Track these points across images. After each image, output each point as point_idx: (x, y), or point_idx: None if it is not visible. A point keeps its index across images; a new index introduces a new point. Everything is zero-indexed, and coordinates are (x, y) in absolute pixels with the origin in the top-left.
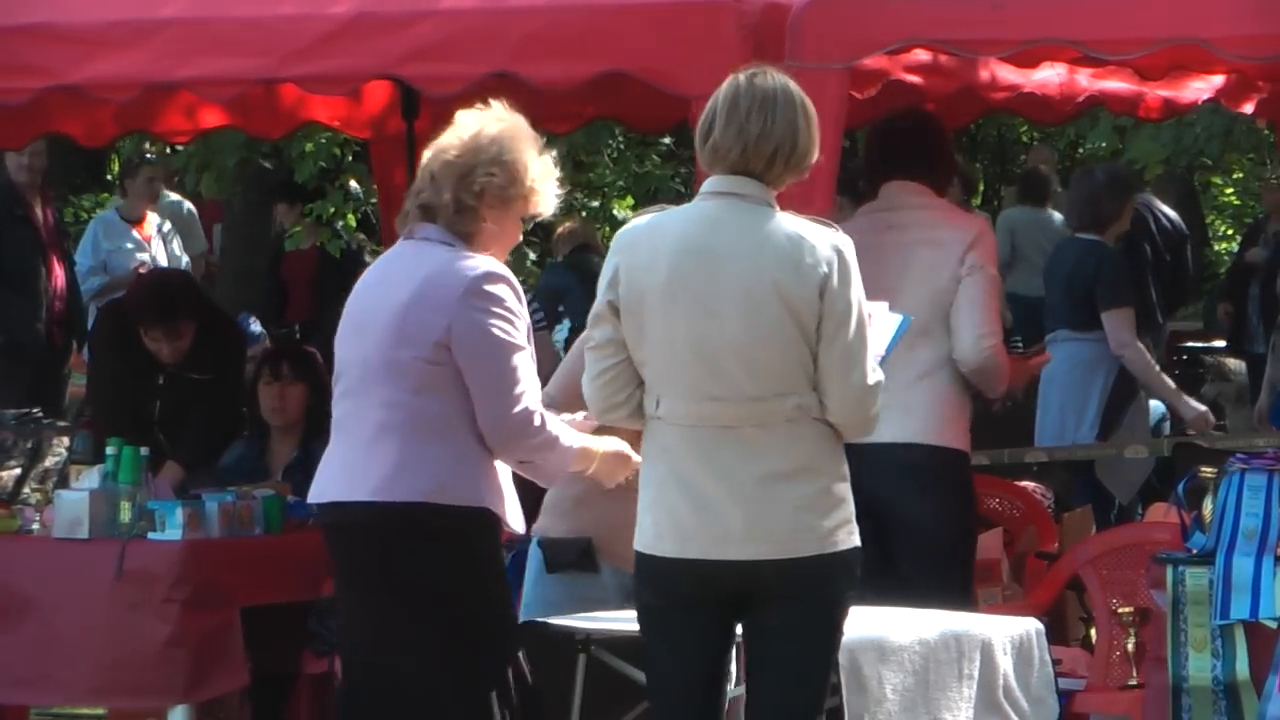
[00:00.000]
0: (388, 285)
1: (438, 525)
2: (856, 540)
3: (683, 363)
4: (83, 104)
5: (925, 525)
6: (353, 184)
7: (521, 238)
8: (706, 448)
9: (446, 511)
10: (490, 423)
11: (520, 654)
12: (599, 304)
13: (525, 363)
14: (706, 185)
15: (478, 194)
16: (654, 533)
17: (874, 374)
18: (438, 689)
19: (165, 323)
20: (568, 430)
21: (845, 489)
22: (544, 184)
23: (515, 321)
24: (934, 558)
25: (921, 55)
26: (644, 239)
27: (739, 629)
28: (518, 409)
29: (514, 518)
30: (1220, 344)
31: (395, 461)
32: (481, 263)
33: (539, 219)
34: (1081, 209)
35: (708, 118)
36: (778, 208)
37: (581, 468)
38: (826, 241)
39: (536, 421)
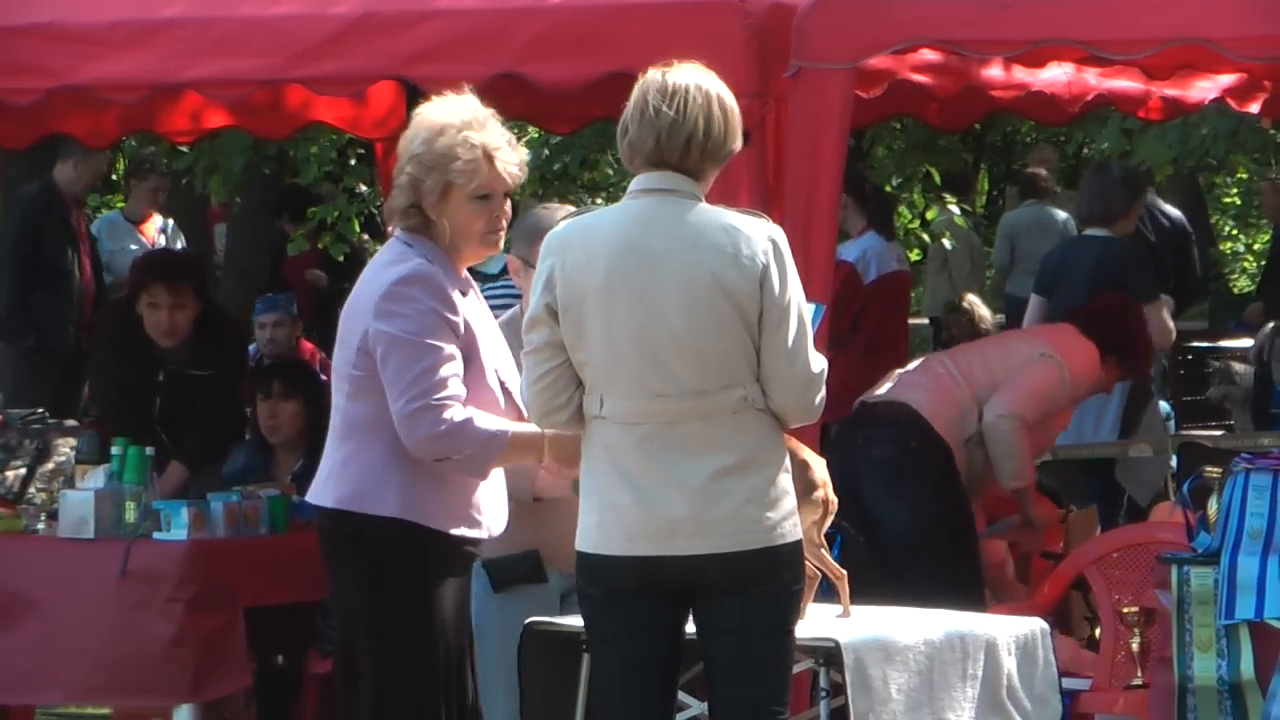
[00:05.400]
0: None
1: (354, 533)
2: (799, 533)
3: (626, 361)
4: (87, 104)
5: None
6: (361, 186)
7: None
8: (652, 444)
9: (362, 521)
10: (395, 419)
11: (468, 667)
12: (534, 308)
13: (433, 357)
14: (634, 184)
15: (407, 190)
16: (600, 532)
17: (816, 361)
18: (379, 689)
19: (168, 279)
20: (489, 418)
21: (788, 480)
22: (475, 160)
23: (426, 318)
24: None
25: (927, 55)
26: (577, 240)
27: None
28: (416, 402)
29: (491, 522)
30: (1225, 344)
31: (328, 467)
32: (404, 266)
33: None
34: (1092, 201)
35: (624, 115)
36: (705, 201)
37: (528, 457)
38: (762, 233)
39: (441, 411)
